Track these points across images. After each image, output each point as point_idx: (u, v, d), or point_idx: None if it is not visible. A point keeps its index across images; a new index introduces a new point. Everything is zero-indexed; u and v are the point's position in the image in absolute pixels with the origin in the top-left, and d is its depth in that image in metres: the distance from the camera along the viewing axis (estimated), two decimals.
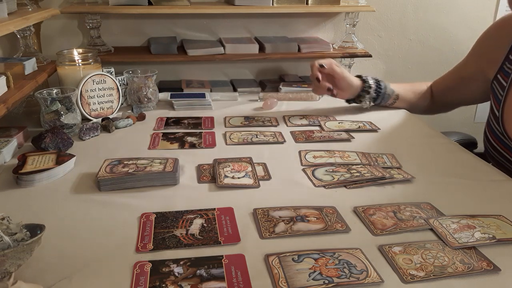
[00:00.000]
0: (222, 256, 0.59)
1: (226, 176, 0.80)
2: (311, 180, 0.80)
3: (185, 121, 1.10)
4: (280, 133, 1.03)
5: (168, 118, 1.11)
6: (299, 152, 0.93)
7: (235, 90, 1.36)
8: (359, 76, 1.13)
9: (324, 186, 0.78)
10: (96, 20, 1.30)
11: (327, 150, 0.93)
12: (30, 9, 1.11)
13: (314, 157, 0.90)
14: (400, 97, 1.15)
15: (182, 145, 0.96)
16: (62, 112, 0.98)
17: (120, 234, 0.64)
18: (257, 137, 1.00)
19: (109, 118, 1.09)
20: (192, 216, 0.68)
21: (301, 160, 0.89)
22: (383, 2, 1.51)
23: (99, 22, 1.31)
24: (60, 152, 0.86)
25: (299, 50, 1.38)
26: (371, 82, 1.12)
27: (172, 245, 0.62)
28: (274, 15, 1.44)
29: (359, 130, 1.05)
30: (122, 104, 1.17)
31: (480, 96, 1.09)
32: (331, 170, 0.83)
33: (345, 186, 0.79)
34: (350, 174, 0.81)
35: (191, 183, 0.79)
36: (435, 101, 1.18)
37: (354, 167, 0.84)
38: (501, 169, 0.96)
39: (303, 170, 0.84)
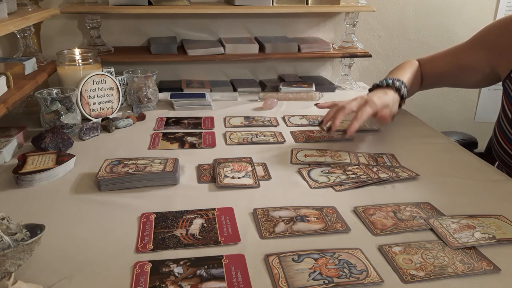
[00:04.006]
0: (222, 256, 0.59)
1: (226, 176, 0.80)
2: (306, 181, 0.80)
3: (185, 121, 1.10)
4: (280, 133, 1.03)
5: (168, 118, 1.11)
6: (291, 150, 0.93)
7: (235, 90, 1.36)
8: (386, 86, 0.98)
9: (324, 187, 0.78)
10: (96, 20, 1.30)
11: (318, 149, 0.93)
12: (30, 9, 1.11)
13: (305, 155, 0.90)
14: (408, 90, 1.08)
15: (182, 145, 0.96)
16: (62, 112, 0.98)
17: (120, 234, 0.64)
18: (257, 137, 1.00)
19: (109, 118, 1.09)
20: (192, 216, 0.68)
21: (291, 159, 0.89)
22: (383, 2, 1.51)
23: (99, 22, 1.31)
24: (60, 152, 0.86)
25: (299, 50, 1.38)
26: (402, 91, 0.99)
27: (172, 245, 0.62)
28: (274, 15, 1.44)
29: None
30: (122, 104, 1.17)
31: (476, 83, 1.08)
32: (327, 171, 0.83)
33: (360, 186, 0.79)
34: (346, 175, 0.81)
35: (191, 183, 0.79)
36: (424, 83, 1.14)
37: (349, 168, 0.84)
38: (508, 170, 0.95)
39: (299, 170, 0.84)
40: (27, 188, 0.77)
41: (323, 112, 1.18)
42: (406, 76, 1.05)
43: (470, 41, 1.05)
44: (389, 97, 0.95)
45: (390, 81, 0.99)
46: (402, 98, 1.00)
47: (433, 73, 1.11)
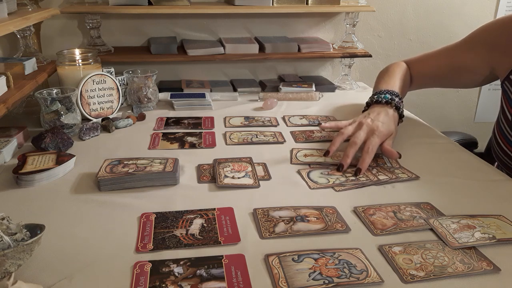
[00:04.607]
0: (222, 256, 0.59)
1: (226, 176, 0.80)
2: (306, 182, 0.80)
3: (185, 121, 1.10)
4: (280, 133, 1.03)
5: (168, 118, 1.11)
6: (291, 150, 0.93)
7: (235, 90, 1.36)
8: (385, 103, 0.96)
9: (322, 188, 0.78)
10: (96, 20, 1.30)
11: (318, 149, 0.93)
12: (30, 9, 1.11)
13: (305, 155, 0.90)
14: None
15: (182, 145, 0.96)
16: (62, 112, 0.98)
17: (120, 234, 0.64)
18: (257, 137, 1.00)
19: (109, 118, 1.09)
20: (192, 216, 0.68)
21: (291, 159, 0.89)
22: (383, 2, 1.51)
23: (99, 22, 1.31)
24: (60, 152, 0.86)
25: (299, 50, 1.38)
26: (401, 108, 0.98)
27: (172, 245, 0.62)
28: (274, 15, 1.44)
29: None
30: (122, 104, 1.17)
31: (470, 83, 1.06)
32: (326, 173, 0.83)
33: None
34: (345, 177, 0.81)
35: (191, 183, 0.79)
36: (414, 84, 1.11)
37: (349, 170, 0.84)
38: (507, 171, 0.95)
39: (298, 172, 0.84)
40: (27, 188, 0.77)
41: (323, 112, 1.18)
42: (397, 84, 1.03)
43: (465, 41, 1.03)
44: (391, 120, 0.93)
45: (389, 97, 0.97)
46: (400, 117, 0.98)
47: (424, 74, 1.09)
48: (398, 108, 0.96)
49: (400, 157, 0.88)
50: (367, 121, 0.91)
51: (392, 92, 0.98)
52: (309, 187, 0.78)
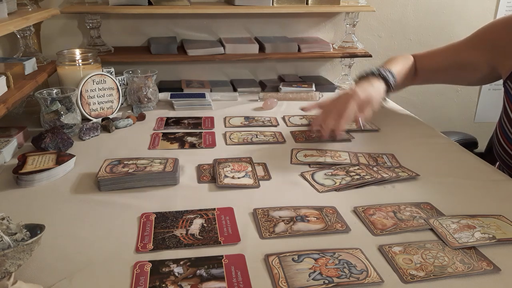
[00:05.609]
0: (222, 256, 0.59)
1: (226, 176, 0.80)
2: (313, 186, 0.79)
3: (185, 121, 1.10)
4: (280, 133, 1.03)
5: (168, 118, 1.11)
6: (291, 150, 0.93)
7: (235, 90, 1.36)
8: (372, 75, 0.97)
9: (332, 190, 0.78)
10: (96, 20, 1.30)
11: (318, 149, 0.93)
12: (30, 9, 1.11)
13: (305, 155, 0.90)
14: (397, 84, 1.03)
15: (182, 145, 0.96)
16: (62, 112, 0.98)
17: (120, 234, 0.64)
18: (257, 137, 1.00)
19: (109, 118, 1.09)
20: (192, 216, 0.68)
21: (291, 159, 0.89)
22: (383, 2, 1.51)
23: (99, 22, 1.31)
24: (60, 152, 0.86)
25: (299, 50, 1.38)
26: (388, 78, 0.96)
27: (172, 245, 0.62)
28: (274, 15, 1.44)
29: (359, 130, 1.05)
30: (122, 104, 1.17)
31: (473, 81, 1.07)
32: (330, 173, 0.83)
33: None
34: (350, 177, 0.81)
35: (191, 183, 0.79)
36: (419, 78, 1.11)
37: (352, 169, 0.84)
38: (509, 170, 0.95)
39: (302, 174, 0.83)
40: (27, 188, 0.77)
41: None
42: (396, 67, 1.02)
43: (469, 39, 1.03)
44: (374, 88, 0.92)
45: (375, 70, 0.97)
46: (389, 87, 0.96)
47: (429, 68, 1.09)
48: (385, 79, 0.95)
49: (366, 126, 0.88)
50: (347, 91, 0.91)
51: (381, 67, 0.97)
52: (318, 190, 0.77)
